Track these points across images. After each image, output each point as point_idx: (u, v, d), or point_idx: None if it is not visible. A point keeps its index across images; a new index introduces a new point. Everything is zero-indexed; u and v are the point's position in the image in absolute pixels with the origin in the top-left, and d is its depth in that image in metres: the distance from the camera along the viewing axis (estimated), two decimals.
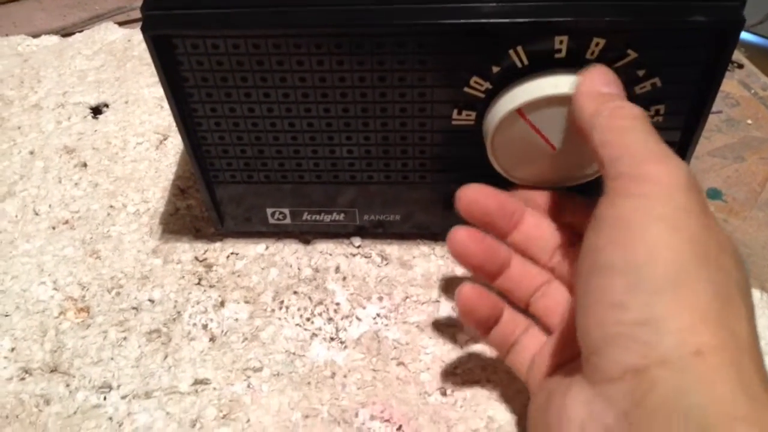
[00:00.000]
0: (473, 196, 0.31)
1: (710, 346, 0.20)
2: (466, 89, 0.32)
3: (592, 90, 0.27)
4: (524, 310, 0.32)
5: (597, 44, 0.29)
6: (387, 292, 0.37)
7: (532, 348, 0.30)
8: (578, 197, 0.33)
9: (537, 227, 0.32)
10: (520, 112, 0.30)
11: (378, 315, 0.36)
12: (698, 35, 0.29)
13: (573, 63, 0.30)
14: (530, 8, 0.29)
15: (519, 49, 0.30)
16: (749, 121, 0.47)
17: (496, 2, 0.29)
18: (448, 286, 0.37)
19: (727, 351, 0.20)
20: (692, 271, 0.21)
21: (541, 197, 0.33)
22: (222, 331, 0.36)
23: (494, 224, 0.32)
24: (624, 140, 0.24)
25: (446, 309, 0.36)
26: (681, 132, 0.33)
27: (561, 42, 0.29)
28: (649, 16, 0.28)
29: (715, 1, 0.28)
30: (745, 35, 0.52)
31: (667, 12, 0.28)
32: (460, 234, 0.31)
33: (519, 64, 0.30)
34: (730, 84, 0.50)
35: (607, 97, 0.26)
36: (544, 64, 0.30)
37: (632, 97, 0.31)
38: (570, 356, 0.27)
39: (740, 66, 0.51)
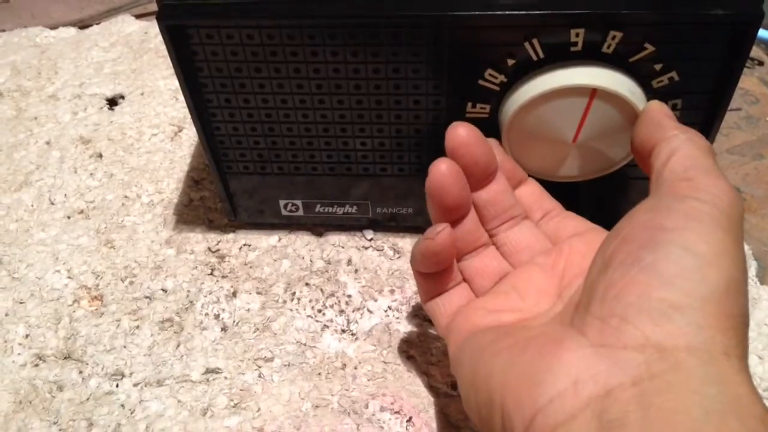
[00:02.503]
0: (466, 139, 0.30)
1: (735, 352, 0.21)
2: (480, 82, 0.31)
3: (665, 112, 0.27)
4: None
5: (614, 37, 0.29)
6: (399, 285, 0.37)
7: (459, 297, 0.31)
8: (558, 208, 0.32)
9: (502, 193, 0.31)
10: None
11: (389, 308, 0.36)
12: (716, 29, 0.28)
13: (589, 56, 0.29)
14: (546, 0, 0.28)
15: (535, 41, 0.30)
16: None
17: None
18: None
19: (745, 362, 0.21)
20: (738, 288, 0.22)
21: (524, 177, 0.33)
22: (234, 321, 0.36)
23: (473, 174, 0.30)
24: (697, 156, 0.25)
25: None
26: (699, 127, 0.32)
27: (577, 35, 0.29)
28: (666, 9, 0.28)
29: None
30: (766, 32, 0.51)
31: (685, 4, 0.28)
32: (444, 166, 0.29)
33: (534, 57, 0.30)
34: (749, 81, 0.49)
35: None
36: (560, 57, 0.30)
37: (650, 91, 0.31)
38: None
39: (761, 63, 0.50)
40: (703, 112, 0.32)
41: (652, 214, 0.24)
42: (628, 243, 0.24)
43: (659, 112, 0.27)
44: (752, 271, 0.37)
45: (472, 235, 0.31)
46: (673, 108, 0.31)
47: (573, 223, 0.31)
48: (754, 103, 0.47)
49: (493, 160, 0.31)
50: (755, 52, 0.51)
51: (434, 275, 0.31)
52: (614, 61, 0.29)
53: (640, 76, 0.30)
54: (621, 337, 0.22)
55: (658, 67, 0.30)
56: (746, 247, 0.38)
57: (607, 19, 0.28)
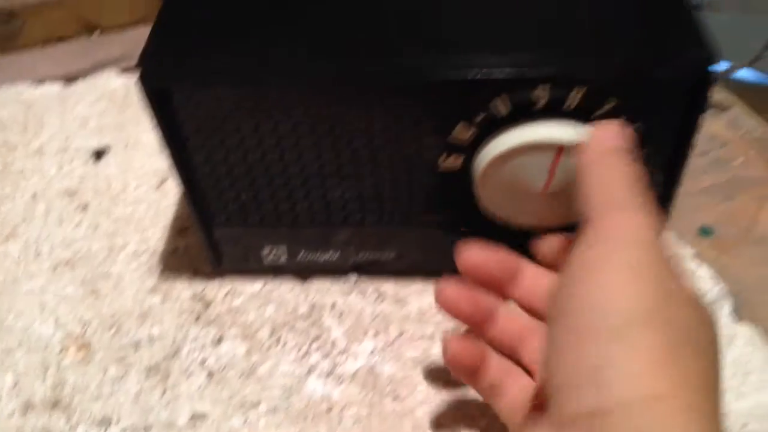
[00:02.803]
0: (475, 260, 0.32)
1: (667, 390, 0.21)
2: (452, 136, 0.33)
3: (596, 144, 0.28)
4: (510, 356, 0.33)
5: (577, 93, 0.31)
6: (382, 328, 0.38)
7: (514, 392, 0.31)
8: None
9: (536, 277, 0.33)
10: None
11: (373, 351, 0.37)
12: (672, 88, 0.31)
13: (555, 111, 0.31)
14: (512, 61, 0.30)
15: (502, 99, 0.31)
16: (738, 161, 0.49)
17: (480, 56, 0.31)
18: (443, 321, 0.39)
19: (683, 397, 0.21)
20: (645, 320, 0.22)
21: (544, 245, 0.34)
22: (220, 367, 0.37)
23: (494, 284, 0.33)
24: (598, 185, 0.26)
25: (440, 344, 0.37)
26: (664, 173, 0.34)
27: (542, 92, 0.31)
28: (625, 68, 0.30)
29: (689, 55, 0.30)
30: (740, 73, 0.54)
31: (644, 63, 0.30)
32: (448, 291, 0.32)
33: (503, 113, 0.32)
34: (717, 125, 0.51)
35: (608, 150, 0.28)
36: (526, 112, 0.32)
37: None
38: (543, 399, 0.29)
39: (729, 108, 0.53)
40: (668, 160, 0.33)
41: (560, 275, 0.25)
42: (549, 318, 0.25)
43: (585, 148, 0.28)
44: (727, 309, 0.39)
45: (512, 324, 0.32)
46: (639, 157, 0.33)
47: None
48: (723, 147, 0.50)
49: (509, 264, 0.32)
50: (723, 96, 0.53)
51: (479, 375, 0.32)
52: (578, 116, 0.31)
53: None
54: (564, 414, 0.22)
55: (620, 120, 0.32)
56: (722, 285, 0.40)
57: (570, 77, 0.30)
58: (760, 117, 0.50)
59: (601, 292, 0.23)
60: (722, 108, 0.51)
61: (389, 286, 0.40)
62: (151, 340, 0.38)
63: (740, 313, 0.39)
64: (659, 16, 0.32)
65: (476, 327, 0.33)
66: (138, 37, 0.65)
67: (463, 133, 0.33)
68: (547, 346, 0.24)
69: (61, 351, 0.38)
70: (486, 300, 0.32)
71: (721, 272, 0.41)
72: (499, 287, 0.33)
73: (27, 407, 0.35)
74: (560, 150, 0.31)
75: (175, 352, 0.38)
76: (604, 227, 0.25)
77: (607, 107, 0.31)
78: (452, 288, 0.32)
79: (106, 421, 0.34)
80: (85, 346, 0.38)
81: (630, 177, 0.26)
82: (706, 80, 0.30)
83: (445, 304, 0.32)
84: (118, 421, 0.34)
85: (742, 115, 0.51)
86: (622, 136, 0.29)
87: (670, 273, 0.24)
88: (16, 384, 0.36)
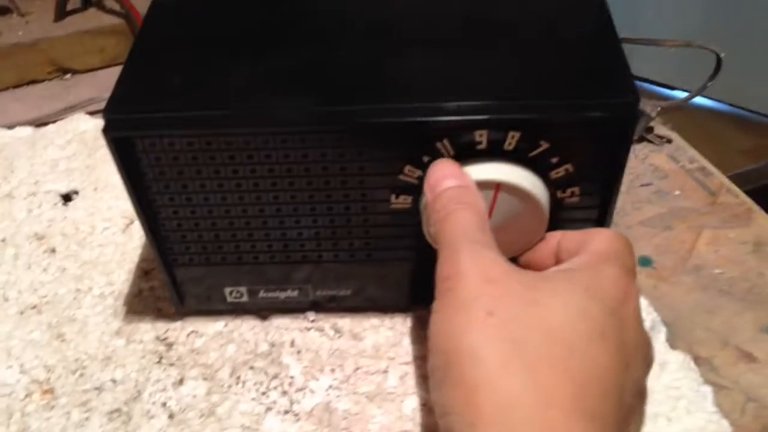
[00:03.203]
0: None
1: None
2: (400, 176, 0.35)
3: (433, 182, 0.32)
4: None
5: (513, 136, 0.33)
6: (339, 363, 0.40)
7: None
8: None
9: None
10: None
11: (330, 386, 0.38)
12: (599, 129, 0.32)
13: (493, 152, 0.33)
14: (453, 108, 0.32)
15: (445, 141, 0.33)
16: (677, 192, 0.51)
17: (423, 102, 0.33)
18: (397, 356, 0.40)
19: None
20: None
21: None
22: (180, 408, 0.38)
23: None
24: (439, 234, 0.30)
25: (394, 378, 0.39)
26: (597, 210, 0.36)
27: (481, 135, 0.33)
28: (554, 113, 0.32)
29: (612, 99, 0.32)
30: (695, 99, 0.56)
31: (570, 108, 0.32)
32: None
33: (446, 154, 0.34)
34: (659, 157, 0.54)
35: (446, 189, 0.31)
36: (468, 154, 0.33)
37: (549, 182, 0.34)
38: None
39: (669, 141, 0.55)
40: (599, 196, 0.35)
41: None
42: None
43: (426, 186, 0.33)
44: (662, 336, 0.40)
45: None
46: (572, 195, 0.35)
47: None
48: (664, 178, 0.52)
49: None
50: (664, 131, 0.55)
51: None
52: (515, 157, 0.33)
53: (540, 168, 0.34)
54: None
55: (554, 160, 0.34)
56: (655, 314, 0.41)
57: (505, 121, 0.32)
58: (696, 149, 0.52)
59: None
60: (663, 141, 0.53)
61: (346, 323, 0.42)
62: (114, 383, 0.39)
63: (674, 340, 0.41)
64: (590, 63, 0.34)
65: None
66: (109, 78, 0.67)
67: (410, 174, 0.35)
68: None
69: (25, 397, 0.39)
70: None
71: (658, 301, 0.43)
72: None
73: None
74: (497, 188, 0.33)
75: (137, 395, 0.38)
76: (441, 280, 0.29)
77: (540, 149, 0.33)
78: None
79: None
80: (49, 392, 0.39)
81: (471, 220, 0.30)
82: (631, 121, 0.32)
83: None
84: None
85: (683, 147, 0.53)
86: (454, 174, 0.32)
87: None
88: None
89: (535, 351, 0.24)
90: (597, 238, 0.31)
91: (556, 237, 0.34)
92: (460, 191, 0.31)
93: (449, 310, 0.26)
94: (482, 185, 0.33)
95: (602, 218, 0.36)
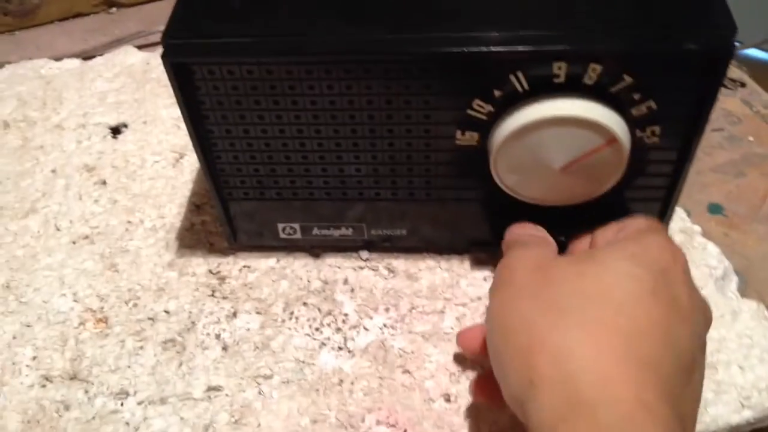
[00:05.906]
0: (472, 341, 0.34)
1: (651, 396, 0.24)
2: (469, 111, 0.33)
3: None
4: None
5: (594, 70, 0.31)
6: (393, 303, 0.39)
7: None
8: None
9: None
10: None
11: (384, 325, 0.38)
12: (690, 62, 0.30)
13: (572, 87, 0.31)
14: (530, 37, 0.30)
15: (519, 74, 0.31)
16: (750, 138, 0.48)
17: (498, 32, 0.31)
18: (453, 296, 0.39)
19: (668, 401, 0.24)
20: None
21: None
22: (234, 341, 0.37)
23: None
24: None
25: (450, 319, 0.38)
26: (677, 152, 0.34)
27: (559, 68, 0.31)
28: (643, 45, 0.30)
29: (707, 30, 0.30)
30: (752, 51, 0.53)
31: (660, 40, 0.30)
32: (464, 335, 0.35)
33: (520, 89, 0.32)
34: (732, 102, 0.51)
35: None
36: (544, 88, 0.32)
37: (629, 119, 0.32)
38: None
39: (743, 85, 0.52)
40: (681, 138, 0.33)
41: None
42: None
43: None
44: (733, 285, 0.39)
45: None
46: (652, 134, 0.33)
47: None
48: (737, 123, 0.49)
49: None
50: (737, 73, 0.53)
51: None
52: (595, 92, 0.31)
53: (621, 105, 0.32)
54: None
55: (636, 96, 0.32)
56: (727, 262, 0.40)
57: (587, 53, 0.30)
58: None
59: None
60: (736, 84, 0.50)
61: (401, 263, 0.41)
62: (168, 314, 0.39)
63: (746, 288, 0.39)
64: None
65: None
66: (155, 12, 0.65)
67: (480, 109, 0.33)
68: None
69: (79, 325, 0.39)
70: None
71: (729, 249, 0.41)
72: None
73: (46, 380, 0.36)
74: (577, 125, 0.31)
75: (191, 326, 0.38)
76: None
77: (623, 84, 0.31)
78: (472, 330, 0.34)
79: (123, 393, 0.35)
80: (102, 320, 0.39)
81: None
82: (727, 54, 0.30)
83: (464, 346, 0.34)
84: (135, 393, 0.35)
85: (756, 91, 0.50)
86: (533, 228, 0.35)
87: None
88: (35, 357, 0.37)
89: (583, 313, 0.26)
90: (633, 221, 0.32)
91: (589, 236, 0.34)
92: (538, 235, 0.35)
93: (505, 293, 0.29)
94: (559, 122, 0.31)
95: (682, 160, 0.34)
